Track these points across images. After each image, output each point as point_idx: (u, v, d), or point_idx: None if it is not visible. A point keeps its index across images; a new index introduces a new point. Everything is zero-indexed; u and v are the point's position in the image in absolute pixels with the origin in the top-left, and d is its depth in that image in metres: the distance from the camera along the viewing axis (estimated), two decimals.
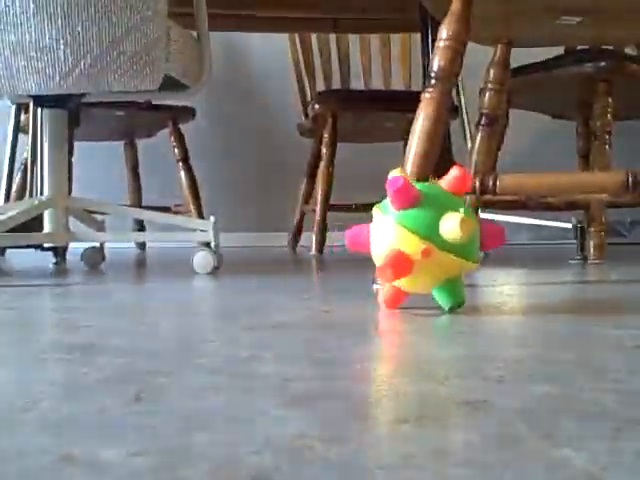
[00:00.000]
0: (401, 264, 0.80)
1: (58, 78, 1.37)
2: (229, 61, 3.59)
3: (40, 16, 1.33)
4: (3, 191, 2.44)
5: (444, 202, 0.82)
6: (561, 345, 0.61)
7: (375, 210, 0.86)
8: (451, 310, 0.84)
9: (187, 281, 1.35)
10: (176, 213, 2.69)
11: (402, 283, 0.85)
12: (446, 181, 0.85)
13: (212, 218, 1.58)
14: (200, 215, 2.73)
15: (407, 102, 2.49)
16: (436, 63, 1.18)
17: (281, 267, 1.81)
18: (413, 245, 0.80)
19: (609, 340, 0.64)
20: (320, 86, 2.98)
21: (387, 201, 0.85)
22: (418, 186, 0.84)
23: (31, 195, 2.07)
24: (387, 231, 0.83)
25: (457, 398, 0.43)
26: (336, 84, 3.08)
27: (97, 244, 1.84)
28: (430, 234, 0.80)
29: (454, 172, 0.84)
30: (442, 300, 0.84)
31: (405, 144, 2.50)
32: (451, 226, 0.79)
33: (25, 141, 2.42)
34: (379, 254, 0.84)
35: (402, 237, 0.81)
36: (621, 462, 0.31)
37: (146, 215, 1.71)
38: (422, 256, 0.80)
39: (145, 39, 1.37)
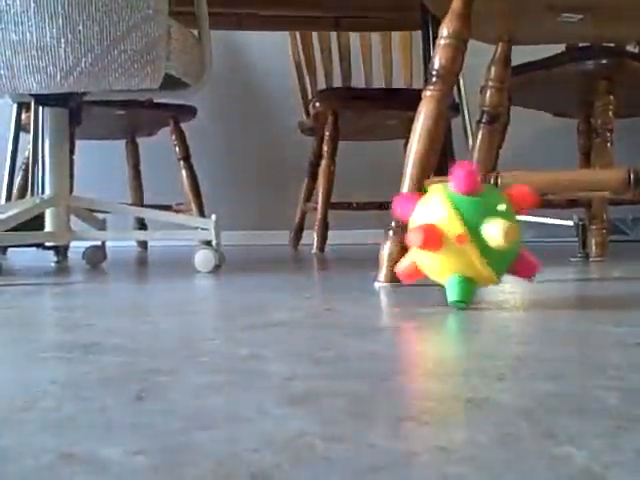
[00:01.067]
0: (434, 236, 0.81)
1: (59, 77, 1.37)
2: (230, 59, 3.59)
3: (41, 15, 1.33)
4: (4, 190, 2.45)
5: (497, 204, 0.83)
6: (562, 342, 0.61)
7: (434, 186, 0.87)
8: (452, 305, 0.84)
9: (188, 279, 1.35)
10: (177, 212, 2.69)
11: (421, 261, 0.86)
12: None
13: (213, 216, 1.58)
14: (201, 213, 2.74)
15: (408, 100, 2.49)
16: (437, 61, 1.18)
17: (282, 265, 1.81)
18: (453, 226, 0.82)
19: (610, 337, 0.64)
20: (321, 84, 2.98)
21: (448, 184, 0.86)
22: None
23: (32, 194, 2.07)
24: (435, 205, 0.84)
25: (458, 396, 0.43)
26: (337, 82, 3.08)
27: (98, 243, 1.84)
28: (473, 225, 0.81)
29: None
30: (449, 292, 0.84)
31: (406, 142, 2.50)
32: (495, 230, 0.79)
33: (26, 140, 2.42)
34: (417, 222, 0.85)
35: (446, 215, 0.82)
36: (622, 460, 0.31)
37: (147, 214, 1.71)
38: (456, 240, 0.81)
39: (146, 38, 1.37)
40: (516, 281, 1.22)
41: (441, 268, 0.85)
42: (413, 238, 0.82)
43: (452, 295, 0.84)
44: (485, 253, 0.82)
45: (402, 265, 0.91)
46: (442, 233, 0.82)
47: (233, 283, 1.27)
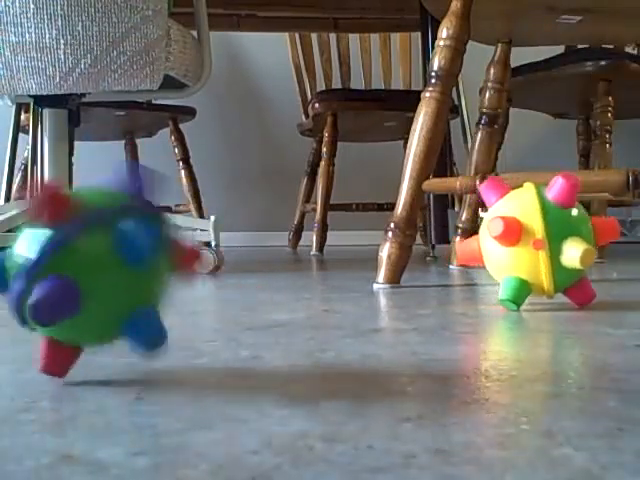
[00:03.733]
0: (513, 230, 0.81)
1: (58, 78, 1.37)
2: (229, 61, 3.59)
3: (40, 16, 1.33)
4: (3, 191, 2.44)
5: (584, 225, 0.83)
6: (561, 344, 0.61)
7: (528, 184, 0.86)
8: (501, 303, 0.84)
9: (187, 280, 1.35)
10: (177, 212, 2.69)
11: (488, 250, 0.85)
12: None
13: (212, 217, 1.58)
14: (201, 214, 2.74)
15: (407, 101, 2.49)
16: (436, 62, 1.18)
17: (282, 266, 1.81)
18: (536, 229, 0.81)
19: (610, 339, 0.64)
20: (320, 85, 2.98)
21: (544, 187, 0.85)
22: None
23: (32, 195, 2.06)
24: (525, 202, 0.83)
25: (458, 397, 0.43)
26: (336, 83, 3.08)
27: None
28: (554, 235, 0.81)
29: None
30: (503, 290, 0.84)
31: (405, 143, 2.50)
32: (575, 250, 0.79)
33: (25, 141, 2.42)
34: (500, 212, 0.84)
35: (533, 216, 0.81)
36: (621, 461, 0.31)
37: None
38: (533, 243, 0.81)
39: (145, 39, 1.37)
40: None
41: (505, 264, 0.84)
42: (492, 226, 0.81)
43: (505, 294, 0.83)
44: (555, 266, 0.81)
45: (466, 246, 0.90)
46: (522, 231, 0.81)
47: (232, 284, 1.27)
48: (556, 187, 0.82)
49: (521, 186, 0.86)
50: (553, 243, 0.81)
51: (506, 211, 0.84)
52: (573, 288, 0.86)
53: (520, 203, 0.84)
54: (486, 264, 0.88)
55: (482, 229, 0.88)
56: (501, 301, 0.84)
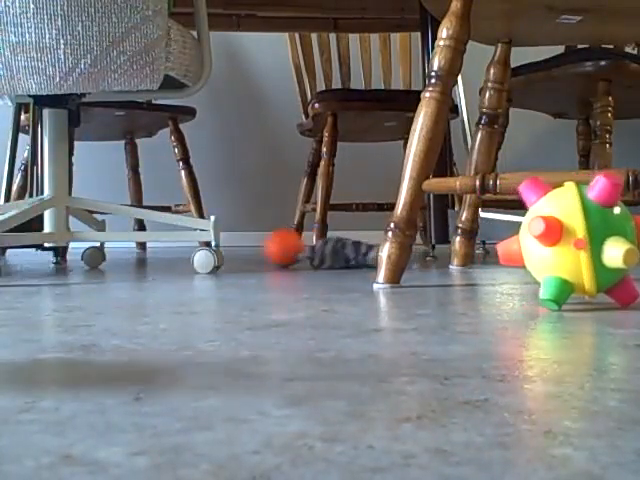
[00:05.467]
0: (554, 230, 0.81)
1: (58, 78, 1.37)
2: (229, 61, 3.59)
3: (40, 16, 1.33)
4: (3, 191, 2.44)
5: (626, 224, 0.83)
6: (562, 344, 0.61)
7: (570, 183, 0.85)
8: (542, 303, 0.84)
9: (188, 281, 1.35)
10: (177, 213, 2.69)
11: (528, 250, 0.85)
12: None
13: (212, 217, 1.58)
14: (201, 215, 2.74)
15: (407, 101, 2.49)
16: (436, 62, 1.18)
17: (281, 266, 1.81)
18: (577, 228, 0.81)
19: (610, 339, 0.64)
20: (320, 86, 2.98)
21: (585, 186, 0.84)
22: None
23: (31, 195, 2.07)
24: (566, 202, 0.83)
25: (457, 397, 0.43)
26: (336, 83, 3.08)
27: (97, 244, 1.84)
28: (596, 235, 0.81)
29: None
30: (544, 290, 0.83)
31: (405, 143, 2.50)
32: (617, 250, 0.79)
33: (25, 141, 2.42)
34: (541, 212, 0.84)
35: (575, 215, 0.81)
36: (621, 461, 0.31)
37: (146, 215, 1.71)
38: (574, 243, 0.81)
39: (145, 39, 1.37)
40: (515, 282, 1.22)
41: (546, 264, 0.84)
42: (533, 226, 0.81)
43: (547, 294, 0.83)
44: (596, 266, 0.81)
45: (507, 246, 0.89)
46: (563, 231, 0.81)
47: (232, 284, 1.27)
48: (598, 186, 0.82)
49: (562, 185, 0.86)
50: (594, 243, 0.80)
51: (547, 211, 0.84)
52: (615, 288, 0.85)
53: (561, 202, 0.83)
54: (526, 264, 0.88)
55: (523, 229, 0.88)
56: (542, 301, 0.83)
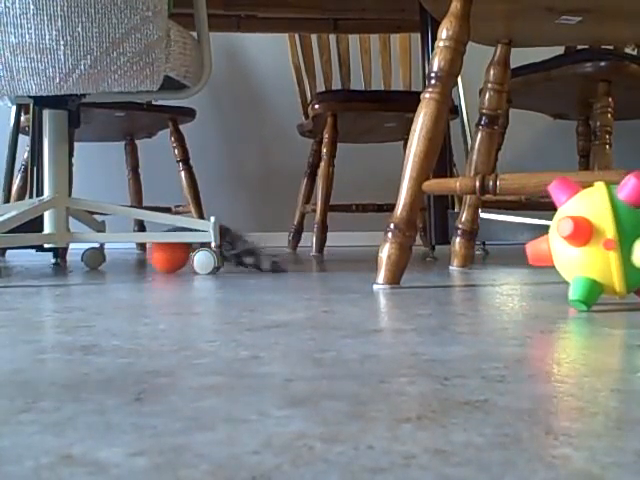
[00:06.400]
0: (583, 230, 0.80)
1: (58, 79, 1.37)
2: (229, 62, 3.59)
3: (40, 17, 1.33)
4: (3, 192, 2.45)
5: None
6: (561, 344, 0.61)
7: (599, 183, 0.85)
8: (572, 303, 0.83)
9: (188, 281, 1.35)
10: (177, 213, 2.69)
11: (557, 251, 0.85)
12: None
13: (212, 218, 1.58)
14: (200, 215, 2.74)
15: (407, 102, 2.49)
16: (436, 63, 1.18)
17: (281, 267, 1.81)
18: (606, 229, 0.80)
19: (610, 339, 0.64)
20: (320, 86, 2.98)
21: (615, 186, 0.84)
22: None
23: (31, 196, 2.07)
24: (595, 202, 0.82)
25: (457, 398, 0.43)
26: (336, 84, 3.08)
27: (97, 245, 1.84)
28: (626, 236, 0.80)
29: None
30: (573, 290, 0.83)
31: (405, 144, 2.50)
32: None
33: (25, 142, 2.42)
34: (570, 212, 0.84)
35: (604, 216, 0.81)
36: (622, 461, 0.31)
37: (146, 216, 1.71)
38: (603, 243, 0.80)
39: (145, 40, 1.37)
40: (515, 283, 1.22)
41: (575, 264, 0.83)
42: (562, 227, 0.81)
43: (576, 294, 0.82)
44: (626, 267, 0.81)
45: (536, 246, 0.89)
46: (592, 231, 0.81)
47: (232, 285, 1.27)
48: (628, 187, 0.82)
49: (592, 185, 0.86)
50: (624, 243, 0.80)
51: (576, 211, 0.83)
52: None
53: (590, 203, 0.83)
54: (555, 264, 0.88)
55: (552, 229, 0.87)
56: (571, 301, 0.83)
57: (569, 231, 0.80)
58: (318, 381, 0.48)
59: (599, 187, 0.84)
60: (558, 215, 0.86)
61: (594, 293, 0.83)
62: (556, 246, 0.86)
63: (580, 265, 0.83)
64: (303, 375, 0.50)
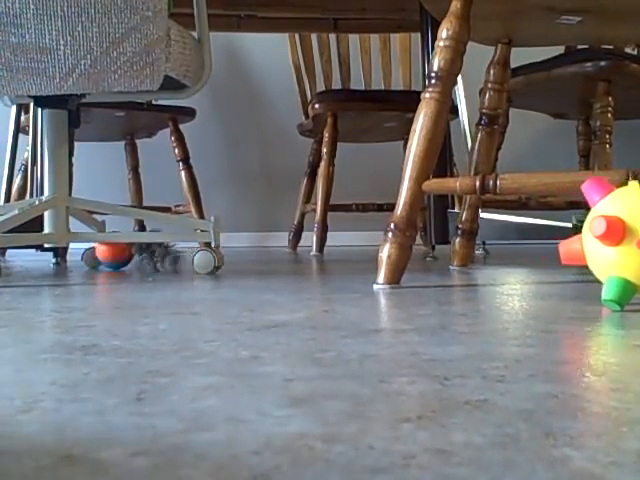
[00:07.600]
0: (617, 230, 0.80)
1: (58, 79, 1.37)
2: (229, 61, 3.59)
3: (40, 17, 1.33)
4: (3, 192, 2.45)
5: None
6: (561, 344, 0.61)
7: (635, 183, 0.85)
8: (605, 303, 0.83)
9: (188, 281, 1.35)
10: (177, 213, 2.69)
11: (591, 250, 0.84)
12: None
13: (212, 218, 1.58)
14: (201, 215, 2.74)
15: (407, 102, 2.49)
16: (436, 63, 1.18)
17: (281, 267, 1.81)
18: (639, 228, 0.80)
19: (610, 339, 0.64)
20: (320, 86, 2.98)
21: None
22: None
23: (31, 195, 2.07)
24: (630, 202, 0.82)
25: (457, 397, 0.43)
26: (336, 84, 3.08)
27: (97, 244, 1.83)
28: None
29: None
30: (607, 290, 0.83)
31: (405, 144, 2.50)
32: None
33: (25, 141, 2.42)
34: (603, 211, 0.83)
35: (638, 215, 0.80)
36: (622, 461, 0.31)
37: (146, 215, 1.71)
38: (637, 243, 0.80)
39: (145, 40, 1.37)
40: (515, 283, 1.22)
41: (608, 264, 0.83)
42: (595, 226, 0.80)
43: (609, 294, 0.82)
44: None
45: (569, 245, 0.89)
46: (626, 231, 0.81)
47: (232, 285, 1.27)
48: None
49: (626, 184, 0.86)
50: None
51: (609, 210, 0.83)
52: None
53: (624, 202, 0.82)
54: (589, 264, 0.87)
55: (585, 229, 0.87)
56: (604, 301, 0.83)
57: (602, 231, 0.80)
58: (318, 381, 0.48)
59: (633, 187, 0.84)
60: (591, 214, 0.86)
61: (627, 293, 0.82)
62: (589, 246, 0.85)
63: (613, 265, 0.83)
64: (303, 375, 0.50)
